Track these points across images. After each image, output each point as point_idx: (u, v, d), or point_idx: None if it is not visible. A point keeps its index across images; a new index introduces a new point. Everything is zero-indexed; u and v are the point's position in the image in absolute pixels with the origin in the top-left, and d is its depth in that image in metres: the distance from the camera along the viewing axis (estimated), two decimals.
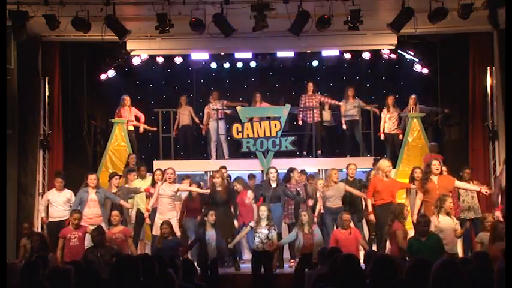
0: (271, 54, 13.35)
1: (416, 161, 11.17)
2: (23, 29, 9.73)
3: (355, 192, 9.80)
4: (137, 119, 12.52)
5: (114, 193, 9.88)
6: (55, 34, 10.46)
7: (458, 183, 9.51)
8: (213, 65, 13.71)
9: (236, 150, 12.17)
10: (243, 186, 10.06)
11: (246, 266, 9.67)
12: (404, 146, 11.74)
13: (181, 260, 6.81)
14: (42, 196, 10.92)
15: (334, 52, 12.97)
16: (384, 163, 9.73)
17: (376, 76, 13.80)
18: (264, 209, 8.74)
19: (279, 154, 11.74)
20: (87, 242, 8.74)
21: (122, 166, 11.41)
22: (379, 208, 9.33)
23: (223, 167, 10.64)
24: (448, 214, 8.24)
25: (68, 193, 10.03)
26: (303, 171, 10.85)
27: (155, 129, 12.62)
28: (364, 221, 9.99)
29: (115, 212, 9.11)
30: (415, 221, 8.75)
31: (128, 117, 12.26)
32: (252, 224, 8.89)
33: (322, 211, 9.78)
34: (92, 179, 9.70)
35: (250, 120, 11.91)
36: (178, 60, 13.00)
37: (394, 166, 10.69)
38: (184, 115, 12.74)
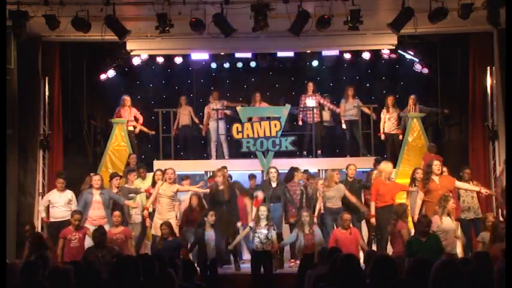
0: (271, 54, 13.35)
1: (416, 161, 11.18)
2: (23, 29, 9.74)
3: (354, 200, 9.75)
4: (136, 119, 12.52)
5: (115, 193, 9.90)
6: (55, 34, 10.47)
7: (458, 183, 9.54)
8: (213, 65, 13.71)
9: (236, 150, 12.17)
10: (239, 191, 10.05)
11: (245, 266, 9.67)
12: (404, 146, 11.74)
13: (181, 260, 6.81)
14: (42, 196, 10.94)
15: (334, 52, 12.98)
16: (387, 166, 9.77)
17: (376, 76, 13.79)
18: (263, 209, 8.73)
19: (279, 154, 11.74)
20: (88, 243, 8.74)
21: (122, 166, 11.41)
22: (381, 210, 9.37)
23: (224, 167, 10.65)
24: (448, 215, 8.26)
25: (69, 194, 10.07)
26: (305, 171, 10.84)
27: (153, 132, 12.62)
28: (363, 221, 10.00)
29: (117, 213, 9.12)
30: (415, 221, 8.76)
31: (128, 117, 12.26)
32: (251, 224, 8.88)
33: (322, 211, 9.79)
34: (96, 180, 9.72)
35: (250, 120, 11.91)
36: (178, 60, 12.99)
37: (394, 166, 10.68)
38: (184, 115, 12.74)
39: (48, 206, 10.13)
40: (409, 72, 12.99)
